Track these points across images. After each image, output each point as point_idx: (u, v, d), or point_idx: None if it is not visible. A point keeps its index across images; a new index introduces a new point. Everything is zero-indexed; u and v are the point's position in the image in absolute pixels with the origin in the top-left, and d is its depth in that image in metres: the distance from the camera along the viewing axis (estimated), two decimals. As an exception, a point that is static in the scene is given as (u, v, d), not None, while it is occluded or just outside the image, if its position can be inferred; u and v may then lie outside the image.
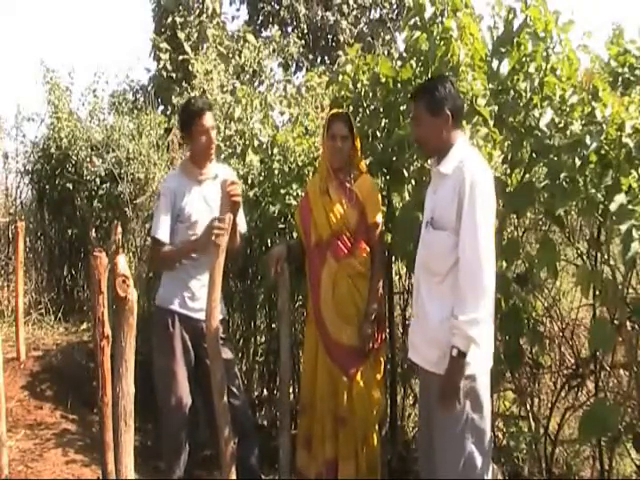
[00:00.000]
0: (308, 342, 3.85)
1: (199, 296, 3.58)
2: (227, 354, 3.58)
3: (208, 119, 3.66)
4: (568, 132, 3.19)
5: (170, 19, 12.30)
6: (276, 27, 18.08)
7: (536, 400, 3.83)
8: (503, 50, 3.46)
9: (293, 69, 19.18)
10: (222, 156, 4.98)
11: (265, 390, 5.19)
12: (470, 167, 2.78)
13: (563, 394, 3.68)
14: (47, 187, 8.63)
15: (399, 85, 3.79)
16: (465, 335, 2.68)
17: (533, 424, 3.62)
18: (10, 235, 8.54)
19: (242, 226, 3.81)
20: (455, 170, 2.81)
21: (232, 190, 3.23)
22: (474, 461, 2.80)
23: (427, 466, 3.01)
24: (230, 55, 13.46)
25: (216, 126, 3.75)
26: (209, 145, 3.69)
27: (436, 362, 2.84)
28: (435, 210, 2.88)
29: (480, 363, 2.83)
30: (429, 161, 3.13)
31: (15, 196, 9.12)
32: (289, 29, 20.19)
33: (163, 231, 3.64)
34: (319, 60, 20.55)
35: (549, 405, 3.73)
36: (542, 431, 3.65)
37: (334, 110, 3.86)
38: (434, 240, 2.87)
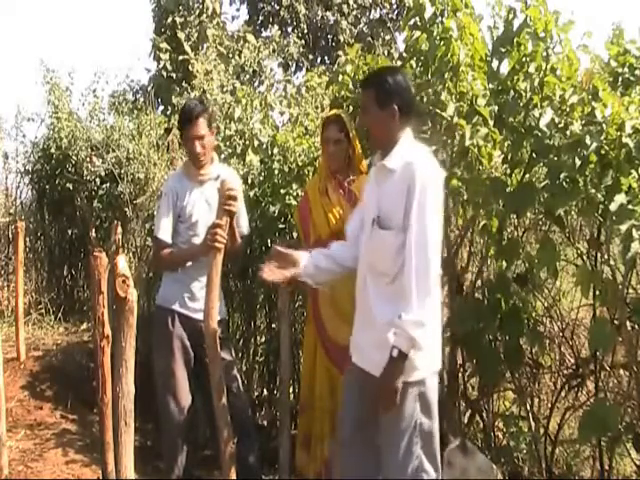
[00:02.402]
0: (307, 342, 3.85)
1: (199, 296, 3.58)
2: (227, 354, 3.59)
3: (198, 127, 3.64)
4: (568, 132, 3.19)
5: (170, 19, 12.27)
6: (276, 27, 18.05)
7: (536, 400, 3.84)
8: (503, 50, 3.47)
9: (293, 69, 19.18)
10: (222, 156, 4.98)
11: (265, 390, 5.19)
12: (421, 166, 2.68)
13: (563, 394, 3.68)
14: (47, 187, 8.62)
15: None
16: (408, 336, 2.58)
17: (533, 424, 3.62)
18: (10, 235, 8.53)
19: (244, 227, 3.82)
20: (404, 167, 2.70)
21: (230, 193, 3.22)
22: (423, 465, 2.75)
23: (362, 465, 2.94)
24: (230, 55, 13.46)
25: (209, 132, 3.70)
26: (196, 153, 3.68)
27: (381, 365, 2.73)
28: (381, 208, 2.76)
29: (428, 367, 2.76)
30: (376, 156, 2.99)
31: (15, 196, 9.10)
32: (289, 29, 20.19)
33: (164, 231, 3.66)
34: (319, 60, 20.54)
35: (549, 405, 3.74)
36: (542, 431, 3.66)
37: (328, 113, 3.86)
38: (381, 240, 2.76)
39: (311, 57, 20.11)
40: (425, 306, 2.61)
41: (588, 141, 3.02)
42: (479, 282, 3.71)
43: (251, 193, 4.72)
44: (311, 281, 3.01)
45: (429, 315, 2.64)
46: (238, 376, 3.83)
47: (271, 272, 2.96)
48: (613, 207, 2.94)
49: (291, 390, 4.35)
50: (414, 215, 2.64)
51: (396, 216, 2.70)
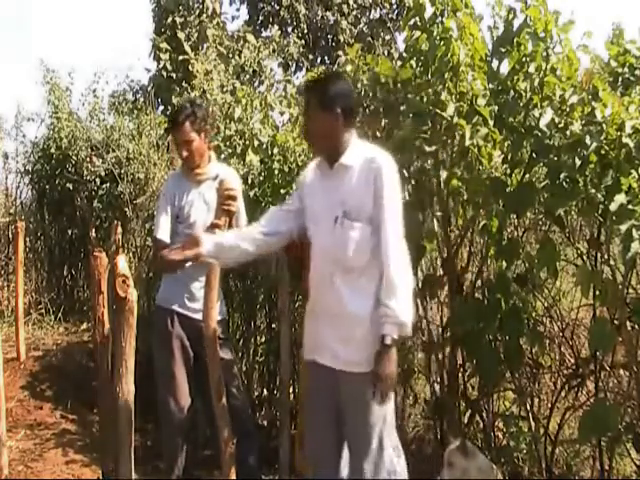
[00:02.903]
0: None
1: (199, 297, 3.58)
2: (227, 354, 3.59)
3: (182, 133, 3.68)
4: (568, 132, 3.19)
5: (170, 19, 12.28)
6: (276, 27, 18.02)
7: (536, 400, 3.83)
8: (503, 50, 3.46)
9: (293, 69, 19.17)
10: (222, 156, 4.98)
11: (265, 390, 5.19)
12: (382, 159, 2.82)
13: (563, 394, 3.67)
14: (47, 187, 8.64)
15: (399, 85, 3.79)
16: (400, 322, 2.67)
17: (533, 424, 3.62)
18: (10, 235, 8.54)
19: (243, 223, 3.83)
20: (365, 162, 2.81)
21: (228, 193, 3.23)
22: (392, 457, 2.85)
23: (333, 466, 2.99)
24: (230, 55, 13.45)
25: (199, 135, 3.70)
26: (181, 158, 3.75)
27: (357, 361, 2.79)
28: (346, 203, 2.81)
29: None
30: (316, 160, 3.04)
31: (15, 196, 9.13)
32: (289, 29, 20.18)
33: (162, 231, 3.69)
34: (319, 60, 20.54)
35: (549, 405, 3.73)
36: (542, 431, 3.65)
37: None
38: (350, 233, 2.80)
39: (311, 57, 20.10)
40: (408, 291, 2.73)
41: (588, 141, 3.02)
42: (479, 282, 3.71)
43: (251, 193, 4.72)
44: (216, 260, 3.01)
45: (410, 300, 2.75)
46: (238, 376, 3.83)
47: (173, 253, 2.97)
48: (613, 207, 2.94)
49: (291, 390, 4.35)
50: (387, 209, 2.76)
51: (364, 209, 2.79)
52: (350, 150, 2.86)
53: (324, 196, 2.90)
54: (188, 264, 3.66)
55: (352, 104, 2.92)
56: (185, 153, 3.69)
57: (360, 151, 2.86)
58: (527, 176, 3.43)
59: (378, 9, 20.99)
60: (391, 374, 2.69)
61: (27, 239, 8.19)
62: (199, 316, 3.39)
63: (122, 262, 2.58)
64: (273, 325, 4.94)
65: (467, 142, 3.36)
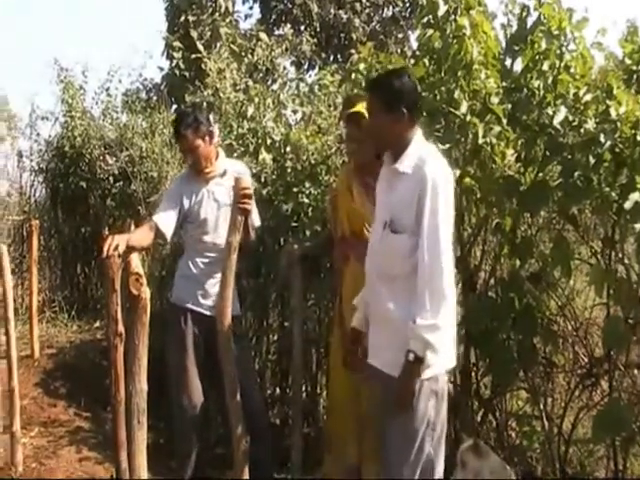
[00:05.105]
0: (334, 343, 3.76)
1: (212, 293, 3.60)
2: (242, 352, 3.58)
3: (185, 143, 3.70)
4: (582, 130, 3.18)
5: (183, 18, 12.34)
6: (289, 25, 17.96)
7: (550, 399, 3.81)
8: (516, 48, 3.45)
9: (306, 67, 19.14)
10: (235, 155, 4.98)
11: (277, 389, 5.19)
12: (431, 166, 2.65)
13: (577, 393, 3.66)
14: (61, 185, 8.66)
15: (412, 83, 3.78)
16: (423, 340, 2.56)
17: (547, 424, 3.61)
18: (24, 233, 8.58)
19: (256, 220, 3.83)
20: (415, 169, 2.68)
21: (245, 192, 3.22)
22: (432, 464, 2.75)
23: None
24: (243, 53, 13.45)
25: (202, 139, 3.72)
26: (190, 162, 3.78)
27: (399, 365, 2.69)
28: (393, 211, 2.73)
29: (441, 364, 2.73)
30: (384, 157, 2.89)
31: (29, 194, 9.18)
32: (302, 27, 20.14)
33: (159, 216, 3.76)
34: (332, 58, 20.46)
35: (563, 405, 3.72)
36: (556, 431, 3.64)
37: (349, 110, 3.76)
38: (393, 244, 2.72)
39: (324, 55, 20.05)
40: (439, 310, 2.59)
41: (602, 139, 3.00)
42: (492, 281, 3.70)
43: (264, 191, 4.72)
44: None
45: (444, 318, 2.61)
46: (253, 374, 3.83)
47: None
48: (627, 205, 2.92)
49: (303, 389, 4.34)
50: (426, 220, 2.61)
51: (408, 220, 2.67)
52: (408, 153, 2.73)
53: (383, 198, 2.84)
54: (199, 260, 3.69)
55: (416, 100, 2.82)
56: (191, 160, 3.72)
57: (415, 156, 2.72)
58: (541, 174, 3.41)
59: (391, 7, 20.90)
60: (407, 389, 2.64)
61: (41, 237, 8.22)
62: (213, 312, 3.40)
63: (135, 260, 2.59)
64: (285, 323, 4.94)
65: (480, 140, 3.35)
